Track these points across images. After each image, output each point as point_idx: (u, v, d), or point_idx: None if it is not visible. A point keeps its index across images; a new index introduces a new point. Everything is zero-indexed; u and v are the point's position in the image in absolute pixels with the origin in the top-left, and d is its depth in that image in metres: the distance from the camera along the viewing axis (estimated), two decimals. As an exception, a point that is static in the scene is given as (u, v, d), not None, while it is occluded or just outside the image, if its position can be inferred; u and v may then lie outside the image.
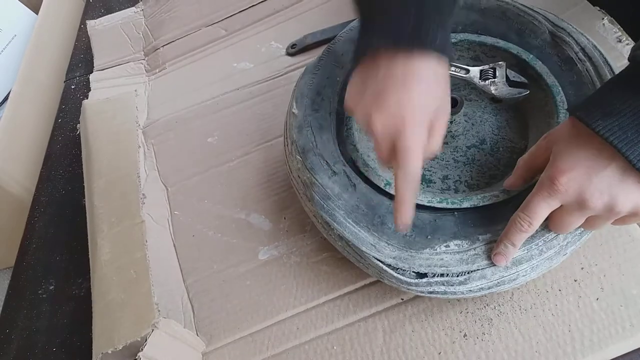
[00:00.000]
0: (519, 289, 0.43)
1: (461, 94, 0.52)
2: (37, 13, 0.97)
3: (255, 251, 0.52)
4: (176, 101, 0.70)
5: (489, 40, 0.50)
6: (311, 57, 0.67)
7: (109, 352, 0.45)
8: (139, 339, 0.45)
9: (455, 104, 0.49)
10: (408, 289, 0.41)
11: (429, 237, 0.41)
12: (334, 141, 0.47)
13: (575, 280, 0.43)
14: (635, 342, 0.39)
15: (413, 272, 0.40)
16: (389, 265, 0.41)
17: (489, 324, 0.43)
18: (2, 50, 1.01)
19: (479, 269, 0.39)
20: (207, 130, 0.65)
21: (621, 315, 0.40)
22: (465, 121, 0.51)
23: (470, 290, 0.40)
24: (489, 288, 0.40)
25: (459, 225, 0.41)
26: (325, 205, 0.44)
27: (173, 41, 0.79)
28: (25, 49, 0.90)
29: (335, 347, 0.45)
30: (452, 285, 0.40)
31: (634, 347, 0.40)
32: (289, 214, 0.54)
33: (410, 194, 0.36)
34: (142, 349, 0.41)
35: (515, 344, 0.41)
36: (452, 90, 0.52)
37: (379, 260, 0.41)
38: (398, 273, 0.41)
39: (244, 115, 0.65)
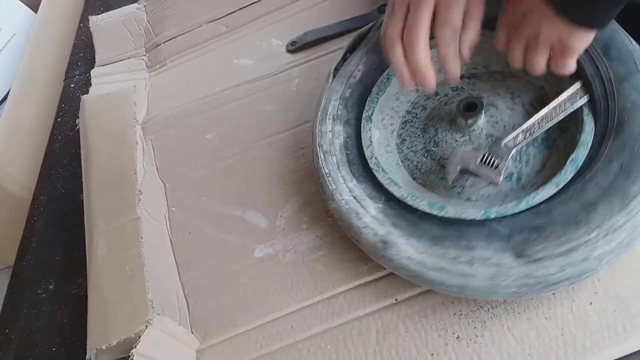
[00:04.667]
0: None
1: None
2: (36, 12, 0.97)
3: (251, 249, 0.53)
4: (176, 97, 0.70)
5: None
6: (311, 54, 0.67)
7: (103, 347, 0.45)
8: (133, 336, 0.45)
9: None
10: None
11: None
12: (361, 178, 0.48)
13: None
14: (628, 346, 0.39)
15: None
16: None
17: (482, 326, 0.42)
18: (1, 49, 1.01)
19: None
20: (206, 127, 0.65)
21: (615, 319, 0.40)
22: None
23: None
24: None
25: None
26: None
27: (174, 37, 0.79)
28: (24, 48, 0.89)
29: (328, 347, 0.45)
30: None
31: (628, 352, 0.39)
32: (286, 212, 0.54)
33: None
34: (135, 346, 0.41)
35: (508, 347, 0.41)
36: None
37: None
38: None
39: (243, 112, 0.65)
